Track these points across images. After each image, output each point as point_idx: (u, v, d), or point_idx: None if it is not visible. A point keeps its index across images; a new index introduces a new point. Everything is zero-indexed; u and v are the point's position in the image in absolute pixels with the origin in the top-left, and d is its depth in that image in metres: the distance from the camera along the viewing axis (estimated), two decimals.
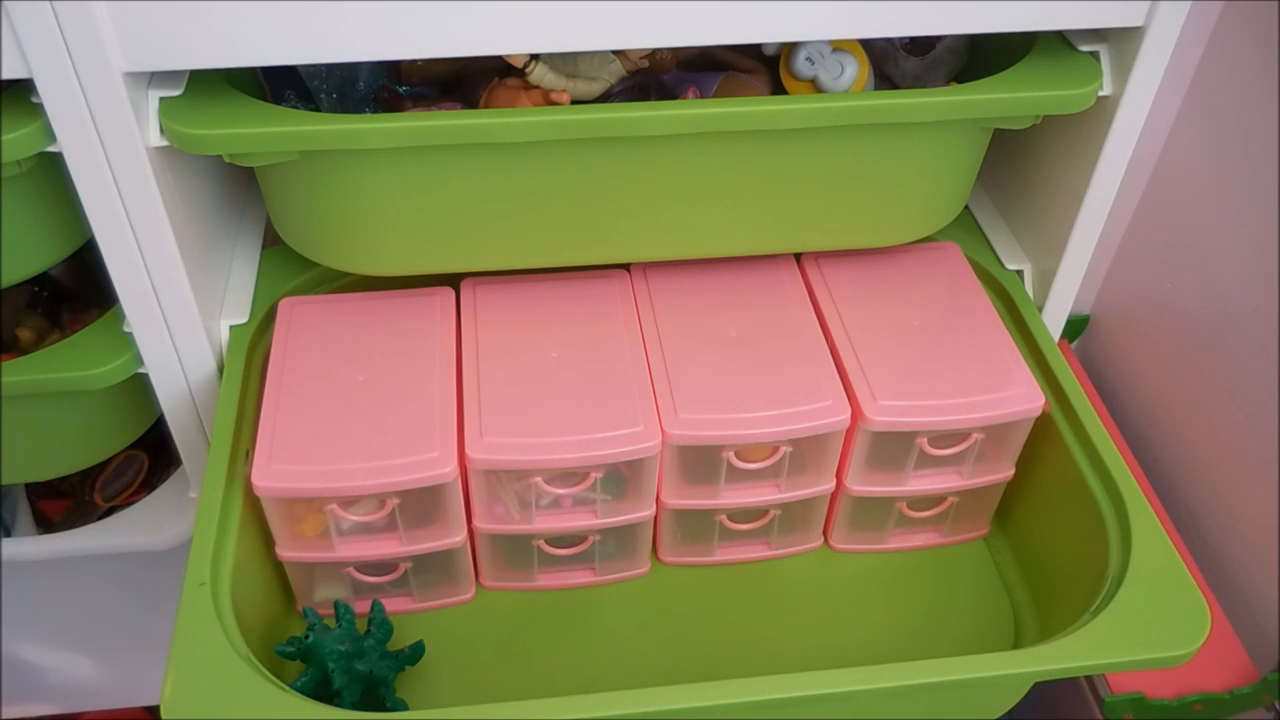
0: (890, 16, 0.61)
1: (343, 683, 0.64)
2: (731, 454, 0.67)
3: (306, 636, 0.64)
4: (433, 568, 0.70)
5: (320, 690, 0.64)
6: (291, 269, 0.77)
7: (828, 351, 0.71)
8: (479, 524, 0.68)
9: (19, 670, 0.95)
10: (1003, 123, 0.67)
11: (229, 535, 0.63)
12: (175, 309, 0.68)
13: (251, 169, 0.67)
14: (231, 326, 0.73)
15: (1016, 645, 0.71)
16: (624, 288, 0.75)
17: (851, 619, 0.73)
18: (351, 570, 0.69)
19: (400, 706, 0.66)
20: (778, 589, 0.75)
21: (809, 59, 0.70)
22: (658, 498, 0.70)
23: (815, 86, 0.71)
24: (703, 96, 0.73)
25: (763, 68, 0.75)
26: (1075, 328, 1.07)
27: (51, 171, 0.61)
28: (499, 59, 0.68)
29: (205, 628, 0.58)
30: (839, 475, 0.71)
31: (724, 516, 0.72)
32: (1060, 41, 0.69)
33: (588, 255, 0.73)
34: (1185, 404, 0.93)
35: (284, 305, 0.74)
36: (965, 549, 0.78)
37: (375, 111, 0.76)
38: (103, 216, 0.62)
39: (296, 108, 0.74)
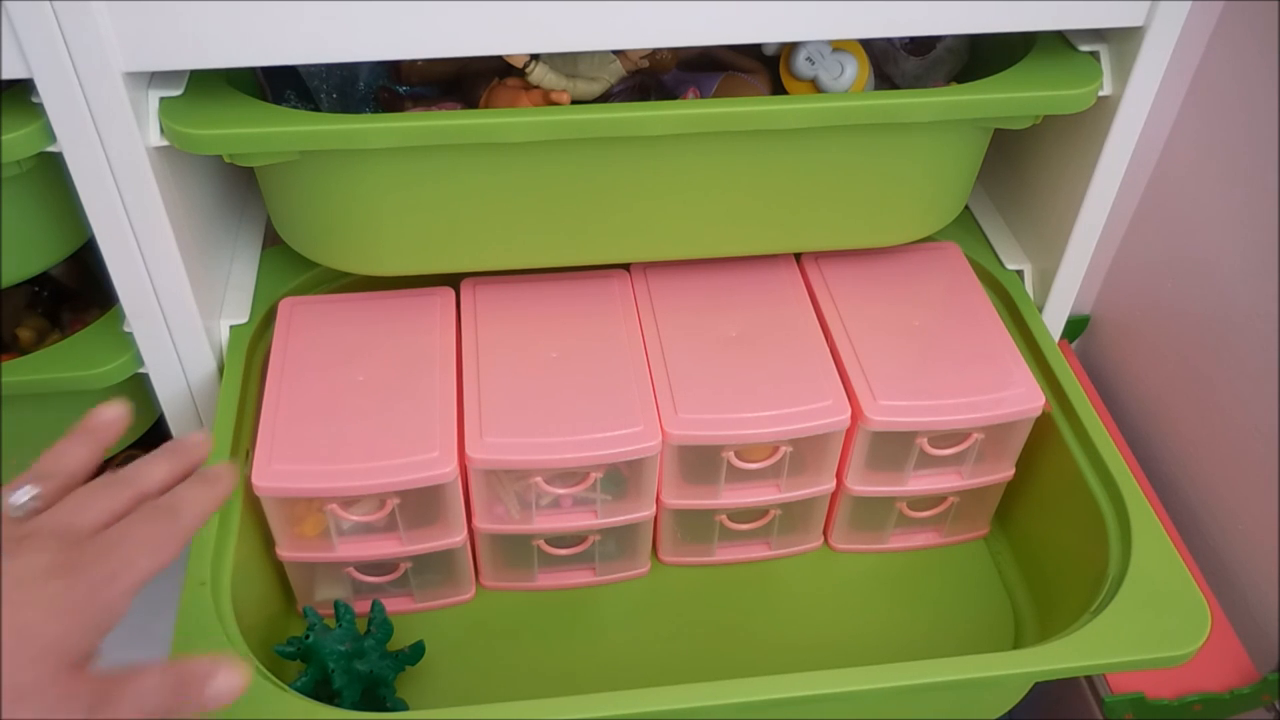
0: (890, 16, 0.61)
1: (343, 683, 0.64)
2: (731, 454, 0.67)
3: (306, 636, 0.65)
4: (433, 568, 0.70)
5: (320, 690, 0.64)
6: (291, 269, 0.77)
7: (828, 351, 0.71)
8: (479, 524, 0.68)
9: None
10: (1003, 123, 0.67)
11: (229, 535, 0.63)
12: (175, 309, 0.68)
13: (251, 169, 0.67)
14: (231, 326, 0.73)
15: (1016, 645, 0.71)
16: (624, 288, 0.75)
17: (851, 619, 0.73)
18: (351, 570, 0.69)
19: (400, 706, 0.66)
20: (778, 589, 0.75)
21: (809, 59, 0.70)
22: (658, 498, 0.70)
23: (815, 86, 0.71)
24: (703, 96, 0.73)
25: (763, 68, 0.75)
26: (1075, 328, 1.07)
27: (51, 171, 0.61)
28: (499, 59, 0.68)
29: (205, 628, 0.58)
30: (839, 475, 0.71)
31: (724, 516, 0.72)
32: (1060, 41, 0.69)
33: (588, 255, 0.73)
34: (1185, 404, 0.93)
35: (284, 305, 0.74)
36: (965, 549, 0.78)
37: (375, 111, 0.76)
38: (103, 216, 0.62)
39: (296, 108, 0.74)
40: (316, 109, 0.75)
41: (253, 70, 0.73)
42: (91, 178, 0.60)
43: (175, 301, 0.67)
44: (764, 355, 0.70)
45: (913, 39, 0.74)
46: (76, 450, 0.47)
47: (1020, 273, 0.81)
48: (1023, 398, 0.68)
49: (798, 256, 0.78)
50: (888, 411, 0.67)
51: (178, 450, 0.49)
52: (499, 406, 0.66)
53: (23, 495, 0.44)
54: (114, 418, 0.49)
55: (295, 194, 0.68)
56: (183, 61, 0.58)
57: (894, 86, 0.74)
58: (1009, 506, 0.77)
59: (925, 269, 0.78)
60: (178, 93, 0.61)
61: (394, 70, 0.76)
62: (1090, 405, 0.71)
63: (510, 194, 0.66)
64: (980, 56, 0.75)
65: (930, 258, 0.79)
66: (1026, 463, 0.73)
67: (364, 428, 0.65)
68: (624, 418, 0.65)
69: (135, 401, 0.75)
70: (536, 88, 0.68)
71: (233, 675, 0.42)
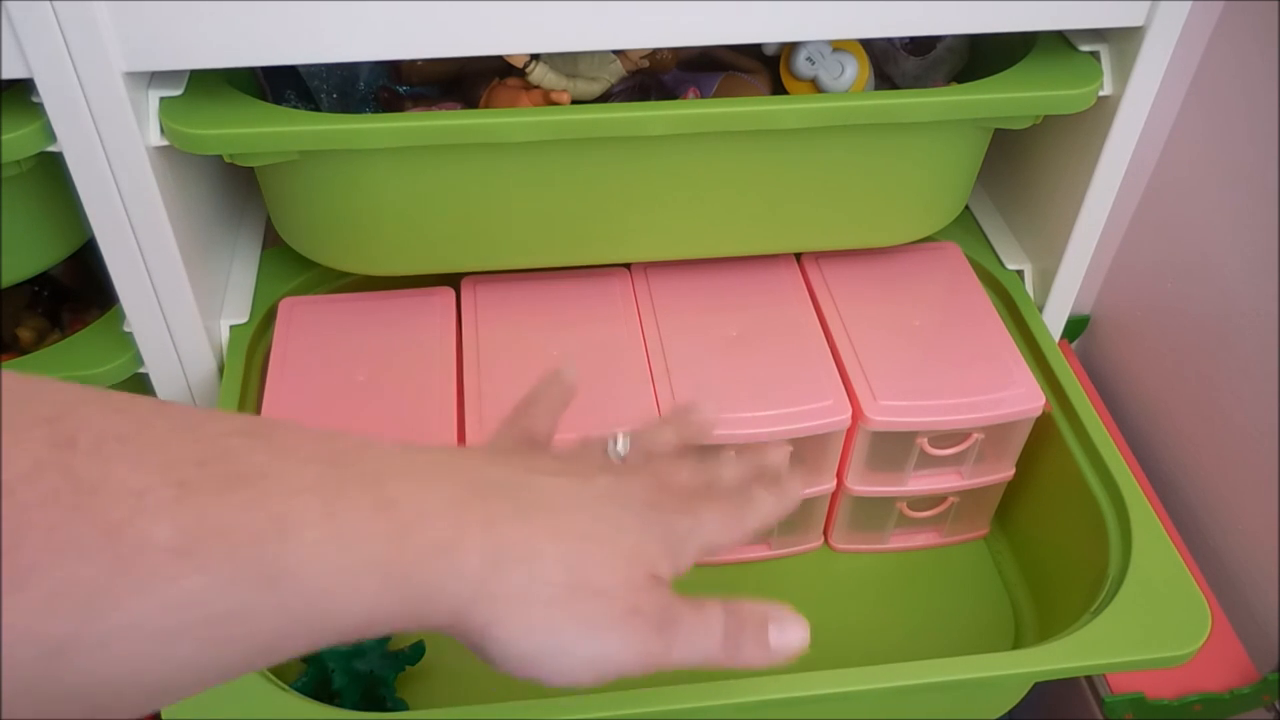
0: (890, 16, 0.61)
1: (343, 683, 0.64)
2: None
3: None
4: None
5: (320, 690, 0.64)
6: (291, 269, 0.77)
7: (828, 351, 0.71)
8: None
9: None
10: (1003, 123, 0.67)
11: None
12: (175, 309, 0.68)
13: (251, 169, 0.67)
14: (231, 326, 0.73)
15: (1016, 645, 0.71)
16: (624, 287, 0.75)
17: (851, 619, 0.73)
18: None
19: (400, 706, 0.66)
20: (778, 589, 0.75)
21: (809, 59, 0.70)
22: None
23: (815, 86, 0.71)
24: (703, 96, 0.73)
25: (763, 68, 0.75)
26: (1075, 328, 1.07)
27: (51, 171, 0.61)
28: (499, 59, 0.68)
29: None
30: (839, 475, 0.71)
31: None
32: (1060, 41, 0.69)
33: (588, 255, 0.73)
34: (1186, 404, 0.93)
35: (284, 305, 0.74)
36: (965, 549, 0.78)
37: (375, 111, 0.76)
38: (103, 216, 0.62)
39: (296, 108, 0.74)
40: (316, 109, 0.75)
41: (253, 70, 0.73)
42: (91, 178, 0.60)
43: (175, 301, 0.67)
44: (764, 355, 0.70)
45: (913, 39, 0.74)
46: (666, 432, 0.49)
47: (1020, 273, 0.81)
48: (1023, 398, 0.68)
49: (798, 256, 0.78)
50: (888, 411, 0.67)
51: (755, 456, 0.51)
52: (499, 406, 0.66)
53: (624, 445, 0.46)
54: (706, 423, 0.51)
55: (295, 194, 0.68)
56: (183, 61, 0.58)
57: (894, 86, 0.74)
58: (1009, 506, 0.77)
59: (925, 269, 0.78)
60: (178, 93, 0.61)
61: (394, 70, 0.76)
62: (1090, 405, 0.71)
63: (510, 194, 0.66)
64: (980, 56, 0.75)
65: (930, 258, 0.79)
66: (1026, 463, 0.73)
67: (364, 428, 0.64)
68: (624, 417, 0.65)
69: None
70: (536, 88, 0.68)
71: (798, 628, 0.40)
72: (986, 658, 0.58)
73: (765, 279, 0.76)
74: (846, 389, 0.68)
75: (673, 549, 0.40)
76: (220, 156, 0.62)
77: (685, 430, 0.51)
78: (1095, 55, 0.68)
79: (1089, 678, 0.79)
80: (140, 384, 0.72)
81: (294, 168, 0.64)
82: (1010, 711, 0.69)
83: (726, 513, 0.44)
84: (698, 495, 0.44)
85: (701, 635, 0.39)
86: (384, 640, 0.67)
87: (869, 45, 0.72)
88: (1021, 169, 0.81)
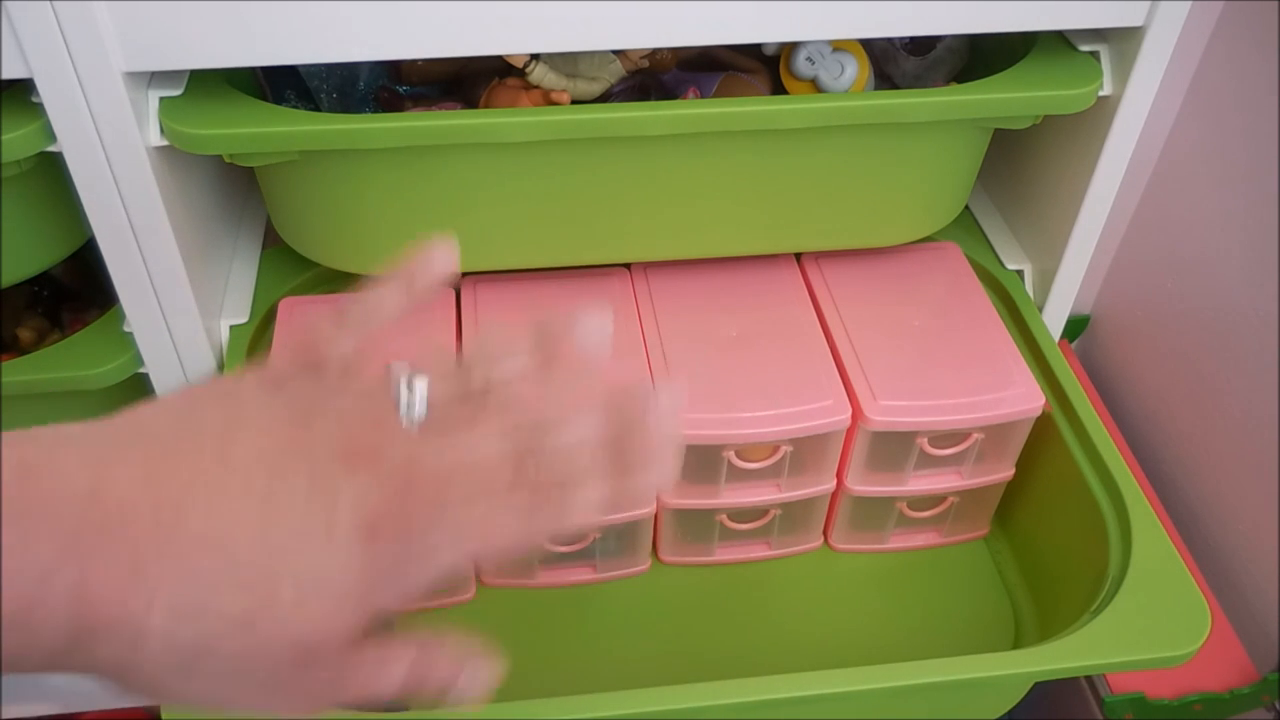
0: (890, 16, 0.61)
1: None
2: (732, 453, 0.67)
3: None
4: None
5: None
6: (291, 269, 0.77)
7: (828, 351, 0.71)
8: None
9: None
10: (1003, 123, 0.67)
11: None
12: (175, 309, 0.68)
13: (251, 169, 0.67)
14: (231, 326, 0.73)
15: (1016, 645, 0.71)
16: (624, 287, 0.75)
17: (851, 619, 0.73)
18: None
19: (400, 706, 0.66)
20: (778, 589, 0.75)
21: (809, 59, 0.70)
22: (658, 496, 0.70)
23: (815, 86, 0.71)
24: (703, 96, 0.73)
25: (763, 68, 0.75)
26: (1075, 328, 1.07)
27: (51, 171, 0.61)
28: (499, 59, 0.68)
29: None
30: (839, 475, 0.71)
31: (724, 516, 0.72)
32: (1060, 41, 0.69)
33: (588, 255, 0.73)
34: (1186, 404, 0.93)
35: (284, 305, 0.74)
36: (965, 549, 0.78)
37: (375, 111, 0.76)
38: (103, 216, 0.62)
39: (296, 108, 0.74)
40: (316, 109, 0.75)
41: (253, 70, 0.73)
42: (91, 178, 0.60)
43: (175, 301, 0.67)
44: (764, 355, 0.70)
45: (913, 39, 0.74)
46: (522, 358, 0.36)
47: (1020, 273, 0.81)
48: (1023, 398, 0.68)
49: (798, 256, 0.78)
50: (888, 411, 0.67)
51: (630, 408, 0.35)
52: None
53: (421, 402, 0.35)
54: (600, 343, 0.37)
55: (295, 194, 0.68)
56: (183, 61, 0.58)
57: (894, 86, 0.74)
58: (1009, 506, 0.77)
59: (925, 269, 0.78)
60: (178, 93, 0.61)
61: (394, 70, 0.76)
62: (1090, 405, 0.71)
63: (510, 194, 0.66)
64: (980, 56, 0.75)
65: (930, 258, 0.79)
66: (1026, 463, 0.73)
67: None
68: None
69: (135, 401, 0.75)
70: (536, 88, 0.68)
71: (482, 674, 0.36)
72: (986, 658, 0.58)
73: (765, 279, 0.76)
74: (846, 389, 0.68)
75: (383, 589, 0.33)
76: (220, 156, 0.62)
77: (572, 347, 0.36)
78: (1095, 55, 0.68)
79: (1089, 678, 0.79)
80: (140, 384, 0.72)
81: (294, 168, 0.64)
82: (1010, 711, 0.69)
83: (511, 510, 0.33)
84: (484, 488, 0.33)
85: (370, 687, 0.34)
86: None
87: (869, 45, 0.72)
88: (1021, 169, 0.81)
